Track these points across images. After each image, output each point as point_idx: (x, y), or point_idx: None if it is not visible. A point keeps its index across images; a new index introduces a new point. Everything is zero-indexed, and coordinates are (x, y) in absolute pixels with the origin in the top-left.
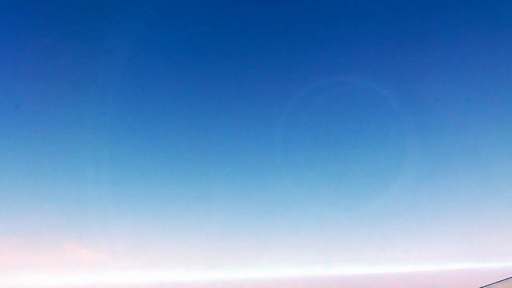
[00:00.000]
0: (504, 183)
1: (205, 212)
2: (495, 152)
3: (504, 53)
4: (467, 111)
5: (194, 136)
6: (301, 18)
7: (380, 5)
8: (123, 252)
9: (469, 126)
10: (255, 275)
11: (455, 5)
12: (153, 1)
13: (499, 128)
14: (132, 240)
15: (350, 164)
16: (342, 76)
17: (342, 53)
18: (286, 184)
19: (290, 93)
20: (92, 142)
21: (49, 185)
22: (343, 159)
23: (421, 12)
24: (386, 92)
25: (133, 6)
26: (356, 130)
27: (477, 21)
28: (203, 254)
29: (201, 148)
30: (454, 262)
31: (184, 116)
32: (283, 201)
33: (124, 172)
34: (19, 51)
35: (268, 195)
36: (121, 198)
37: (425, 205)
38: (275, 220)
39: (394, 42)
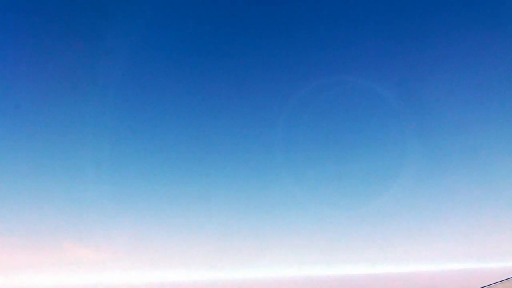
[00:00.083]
0: (504, 183)
1: (205, 212)
2: (495, 152)
3: (504, 53)
4: (467, 111)
5: (194, 136)
6: (301, 18)
7: (380, 5)
8: (123, 252)
9: (469, 126)
10: (255, 275)
11: (455, 5)
12: (153, 1)
13: (499, 128)
14: (132, 240)
15: (350, 164)
16: (342, 76)
17: (342, 53)
18: (286, 184)
19: (290, 93)
20: (92, 142)
21: (49, 185)
22: (343, 159)
23: (421, 12)
24: (386, 92)
25: (133, 6)
26: (356, 130)
27: (477, 21)
28: (203, 254)
29: (201, 148)
30: (454, 262)
31: (184, 116)
32: (283, 201)
33: (124, 172)
34: (19, 51)
35: (268, 195)
36: (121, 198)
37: (425, 205)
38: (275, 220)
39: (394, 42)
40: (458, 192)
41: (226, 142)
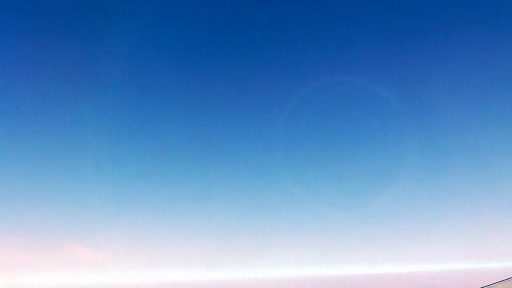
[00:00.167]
0: (504, 183)
1: (205, 212)
2: (495, 152)
3: (504, 53)
4: (467, 111)
5: (194, 136)
6: (301, 18)
7: (380, 5)
8: (123, 252)
9: (469, 126)
10: (255, 275)
11: (455, 5)
12: (153, 1)
13: (499, 128)
14: (132, 240)
15: (350, 164)
16: (342, 76)
17: (342, 53)
18: (286, 184)
19: (290, 93)
20: (92, 142)
21: (49, 185)
22: (343, 159)
23: (421, 12)
24: (386, 92)
25: (133, 6)
26: (356, 130)
27: (477, 21)
28: (203, 254)
29: (201, 148)
30: (454, 262)
31: (184, 116)
32: (283, 201)
33: (124, 172)
34: (19, 51)
35: (268, 195)
36: (121, 198)
37: (425, 205)
38: (275, 220)
39: (394, 42)
40: (458, 192)
41: (226, 142)
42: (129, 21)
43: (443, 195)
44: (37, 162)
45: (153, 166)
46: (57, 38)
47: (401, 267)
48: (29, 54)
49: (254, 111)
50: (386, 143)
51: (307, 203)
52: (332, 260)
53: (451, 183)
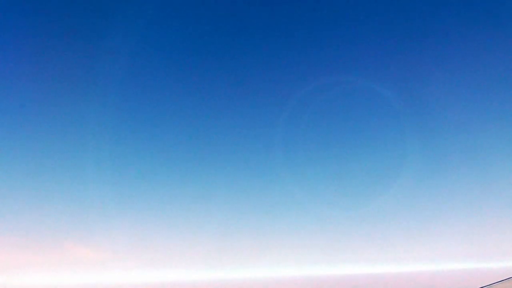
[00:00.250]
0: (504, 183)
1: (205, 212)
2: (495, 152)
3: (504, 53)
4: (467, 111)
5: (194, 136)
6: (301, 18)
7: (380, 5)
8: (124, 252)
9: (469, 126)
10: (255, 275)
11: (455, 5)
12: (153, 1)
13: (499, 128)
14: (132, 239)
15: (350, 164)
16: (342, 76)
17: (342, 53)
18: (286, 184)
19: (290, 93)
20: (92, 142)
21: (49, 185)
22: (343, 159)
23: (421, 12)
24: (386, 92)
25: (133, 6)
26: (356, 130)
27: (477, 21)
28: (203, 254)
29: (201, 148)
30: (454, 262)
31: (184, 116)
32: (283, 201)
33: (124, 172)
34: (19, 51)
35: (268, 195)
36: (122, 198)
37: (425, 205)
38: (275, 220)
39: (394, 42)
40: (458, 192)
41: (226, 142)
42: (129, 21)
43: (443, 195)
44: (37, 162)
45: (153, 166)
46: (58, 38)
47: (401, 267)
48: (29, 54)
49: (254, 111)
50: (386, 143)
51: (307, 203)
52: (332, 260)
53: (451, 183)
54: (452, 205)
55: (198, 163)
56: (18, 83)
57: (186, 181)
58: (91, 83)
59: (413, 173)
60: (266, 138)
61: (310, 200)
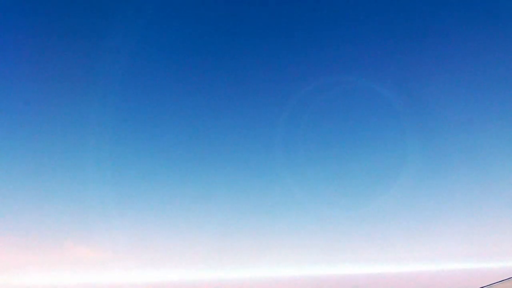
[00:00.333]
0: (504, 183)
1: (205, 212)
2: (495, 152)
3: (504, 53)
4: (467, 111)
5: (194, 136)
6: (301, 18)
7: (380, 5)
8: (124, 252)
9: (469, 126)
10: (255, 275)
11: (455, 5)
12: (153, 1)
13: (499, 128)
14: (132, 239)
15: (350, 164)
16: (342, 76)
17: (342, 53)
18: (286, 184)
19: (290, 93)
20: (93, 142)
21: (49, 185)
22: (343, 159)
23: (421, 12)
24: (386, 92)
25: (133, 6)
26: (356, 130)
27: (477, 21)
28: (203, 254)
29: (201, 148)
30: (454, 262)
31: (184, 116)
32: (283, 201)
33: (125, 172)
34: (19, 51)
35: (268, 195)
36: (122, 198)
37: (425, 205)
38: (275, 220)
39: (394, 42)
40: (458, 192)
41: (227, 142)
42: (130, 21)
43: (443, 195)
44: (38, 162)
45: (153, 166)
46: (58, 38)
47: (401, 267)
48: (29, 54)
49: (254, 111)
50: (386, 143)
51: (307, 203)
52: (332, 260)
53: (451, 183)
54: (452, 205)
55: (198, 163)
56: (18, 83)
57: (186, 181)
58: (91, 83)
59: (413, 173)
60: (266, 138)
61: (310, 200)
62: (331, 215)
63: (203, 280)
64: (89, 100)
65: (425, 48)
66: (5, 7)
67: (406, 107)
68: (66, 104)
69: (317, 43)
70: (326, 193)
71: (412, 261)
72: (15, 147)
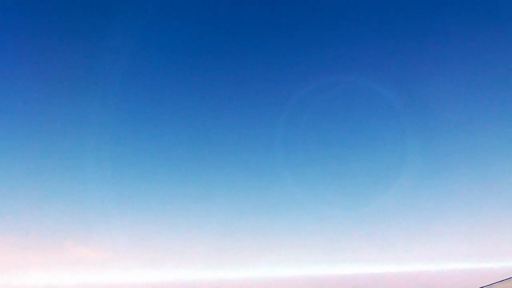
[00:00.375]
0: (504, 183)
1: (205, 212)
2: (495, 152)
3: (504, 53)
4: (467, 111)
5: (194, 136)
6: (301, 18)
7: (380, 5)
8: (124, 252)
9: (469, 126)
10: (255, 275)
11: (455, 5)
12: (153, 1)
13: (499, 128)
14: (132, 239)
15: (350, 164)
16: (342, 76)
17: (342, 53)
18: (286, 184)
19: (290, 93)
20: (93, 141)
21: (49, 185)
22: (343, 159)
23: (421, 12)
24: (386, 92)
25: (133, 6)
26: (357, 130)
27: (477, 21)
28: (203, 254)
29: (201, 148)
30: (454, 262)
31: (184, 116)
32: (283, 201)
33: (125, 172)
34: (19, 51)
35: (268, 195)
36: (122, 198)
37: (425, 205)
38: (275, 220)
39: (394, 42)
40: (458, 192)
41: (227, 142)
42: (130, 21)
43: (443, 195)
44: (38, 162)
45: (153, 166)
46: (58, 38)
47: (401, 267)
48: (29, 54)
49: (254, 111)
50: (386, 143)
51: (307, 203)
52: (332, 260)
53: (451, 183)
54: (452, 205)
55: (198, 163)
56: (18, 83)
57: (186, 181)
58: (91, 83)
59: (413, 173)
60: (266, 138)
61: (310, 200)
62: (331, 215)
63: (203, 280)
64: (89, 100)
65: (425, 48)
66: (5, 7)
67: (406, 107)
68: (66, 104)
69: (317, 43)
70: (326, 193)
71: (412, 261)
72: (15, 147)
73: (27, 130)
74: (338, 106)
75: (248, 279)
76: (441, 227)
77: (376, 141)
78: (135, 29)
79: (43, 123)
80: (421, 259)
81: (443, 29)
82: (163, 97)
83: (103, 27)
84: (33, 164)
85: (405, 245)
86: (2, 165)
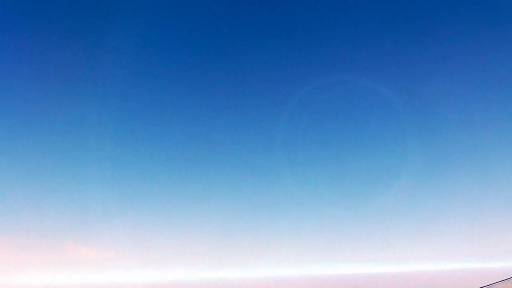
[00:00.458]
0: (504, 183)
1: (205, 212)
2: (495, 152)
3: (504, 53)
4: (467, 111)
5: (194, 136)
6: (301, 18)
7: (380, 5)
8: (124, 252)
9: (469, 126)
10: (255, 275)
11: (455, 5)
12: (153, 1)
13: (499, 128)
14: (133, 239)
15: (350, 164)
16: (342, 75)
17: (342, 53)
18: (287, 184)
19: (290, 93)
20: (93, 142)
21: (50, 185)
22: (343, 159)
23: (421, 12)
24: (386, 91)
25: (133, 6)
26: (357, 130)
27: (477, 21)
28: (204, 254)
29: (201, 148)
30: (454, 262)
31: (184, 116)
32: (283, 201)
33: (125, 172)
34: (19, 51)
35: (268, 195)
36: (122, 198)
37: (425, 205)
38: (275, 220)
39: (394, 42)
40: (458, 192)
41: (227, 142)
42: (130, 21)
43: (443, 195)
44: (38, 162)
45: (153, 166)
46: (58, 38)
47: (401, 267)
48: (29, 54)
49: (254, 111)
50: (386, 143)
51: (307, 203)
52: (332, 260)
53: (451, 183)
54: (452, 205)
55: (198, 163)
56: (18, 83)
57: (186, 181)
58: (91, 83)
59: (413, 173)
60: (267, 138)
61: (310, 200)
62: (331, 215)
63: (203, 280)
64: (89, 100)
65: (425, 48)
66: (5, 7)
67: (406, 107)
68: (66, 104)
69: (317, 43)
70: (326, 193)
71: (412, 261)
72: (15, 147)
73: (27, 130)
74: (338, 106)
75: (248, 279)
76: (441, 227)
77: (376, 141)
78: (135, 29)
79: (43, 123)
80: (421, 259)
81: (443, 29)
82: (163, 97)
83: (103, 27)
84: (33, 164)
85: (405, 245)
86: (2, 165)
